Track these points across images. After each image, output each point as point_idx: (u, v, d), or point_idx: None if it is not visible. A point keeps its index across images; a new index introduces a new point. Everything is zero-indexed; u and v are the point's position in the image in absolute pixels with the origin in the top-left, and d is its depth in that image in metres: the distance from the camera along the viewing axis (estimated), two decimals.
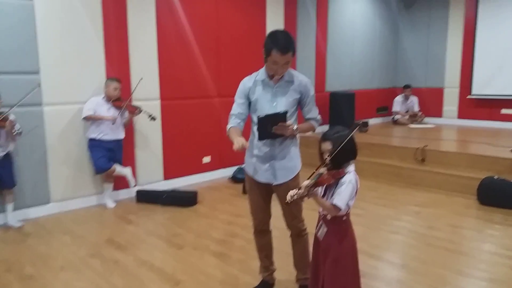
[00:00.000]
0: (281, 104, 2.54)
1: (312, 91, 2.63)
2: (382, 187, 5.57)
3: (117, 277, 3.13)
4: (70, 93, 4.60)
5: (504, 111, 7.86)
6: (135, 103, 4.92)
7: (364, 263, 3.23)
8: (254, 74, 2.64)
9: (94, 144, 4.64)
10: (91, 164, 4.74)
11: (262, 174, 2.63)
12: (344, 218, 2.13)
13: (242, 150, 2.36)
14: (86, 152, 4.74)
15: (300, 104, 2.63)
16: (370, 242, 3.72)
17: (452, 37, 8.57)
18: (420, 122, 8.42)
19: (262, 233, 2.82)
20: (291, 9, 6.93)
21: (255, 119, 2.58)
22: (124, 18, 4.95)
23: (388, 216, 4.43)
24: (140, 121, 5.15)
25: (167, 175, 5.58)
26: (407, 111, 8.67)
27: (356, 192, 2.08)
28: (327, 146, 2.10)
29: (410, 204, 4.82)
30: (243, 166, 2.88)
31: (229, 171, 6.14)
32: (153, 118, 4.80)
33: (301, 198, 1.87)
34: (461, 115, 8.53)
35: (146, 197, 4.98)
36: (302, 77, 2.61)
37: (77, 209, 4.72)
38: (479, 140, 6.34)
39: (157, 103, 5.36)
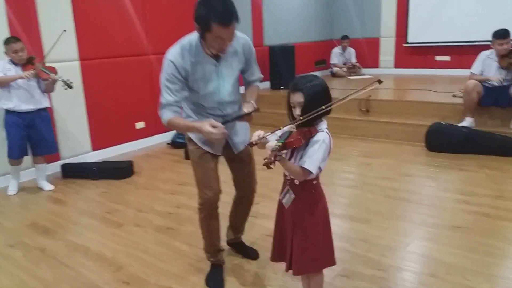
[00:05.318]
0: (228, 82, 2.11)
1: (254, 50, 2.20)
2: None
3: (46, 269, 2.63)
4: None
5: (438, 58, 7.94)
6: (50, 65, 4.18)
7: None
8: (183, 45, 1.98)
9: (10, 120, 3.87)
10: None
11: (218, 148, 2.23)
12: (315, 182, 1.82)
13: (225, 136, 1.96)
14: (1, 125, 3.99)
15: (243, 69, 2.21)
16: (327, 198, 3.48)
17: None
18: (358, 74, 8.31)
19: (214, 212, 2.31)
20: None
21: (194, 100, 2.14)
22: None
23: (340, 169, 4.24)
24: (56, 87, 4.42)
25: (96, 145, 4.96)
26: (345, 63, 8.50)
27: (329, 153, 1.74)
28: (298, 98, 1.68)
29: (360, 156, 4.67)
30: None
31: (168, 136, 5.63)
32: (69, 86, 3.94)
33: (267, 164, 1.47)
34: (398, 64, 8.51)
35: (73, 172, 4.38)
36: (242, 39, 2.11)
37: None
38: (419, 88, 6.31)
39: (76, 64, 4.65)
